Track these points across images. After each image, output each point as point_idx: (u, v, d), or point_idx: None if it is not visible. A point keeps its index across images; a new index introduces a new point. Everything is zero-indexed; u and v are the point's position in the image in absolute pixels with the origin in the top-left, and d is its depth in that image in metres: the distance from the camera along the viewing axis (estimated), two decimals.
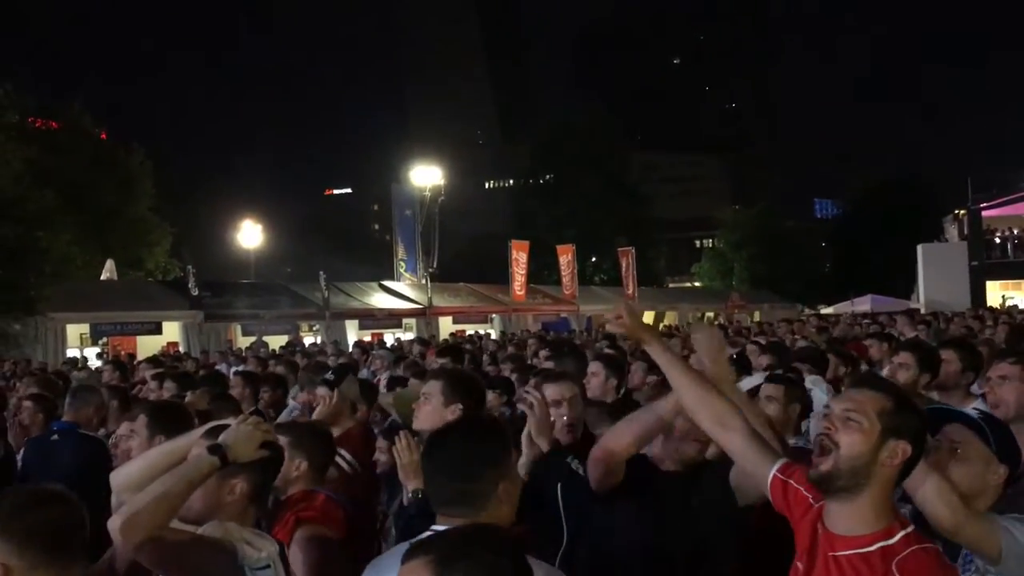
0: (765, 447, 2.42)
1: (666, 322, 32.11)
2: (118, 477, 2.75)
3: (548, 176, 56.22)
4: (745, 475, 2.68)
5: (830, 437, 2.08)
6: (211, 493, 2.49)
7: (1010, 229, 37.45)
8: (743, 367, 5.82)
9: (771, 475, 2.31)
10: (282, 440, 2.92)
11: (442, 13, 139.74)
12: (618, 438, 2.91)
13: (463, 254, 55.69)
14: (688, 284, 60.84)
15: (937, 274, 35.64)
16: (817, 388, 5.29)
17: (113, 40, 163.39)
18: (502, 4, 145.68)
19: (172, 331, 23.01)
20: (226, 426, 2.60)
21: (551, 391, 3.57)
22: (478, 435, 2.32)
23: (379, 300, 28.38)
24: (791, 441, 4.07)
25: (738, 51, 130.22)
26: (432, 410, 3.39)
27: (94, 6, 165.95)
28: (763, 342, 8.26)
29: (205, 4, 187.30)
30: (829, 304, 37.62)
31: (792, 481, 2.26)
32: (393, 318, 27.76)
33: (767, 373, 5.01)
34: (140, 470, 2.67)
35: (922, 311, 24.88)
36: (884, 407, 2.08)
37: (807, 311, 36.17)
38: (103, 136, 39.01)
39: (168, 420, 3.33)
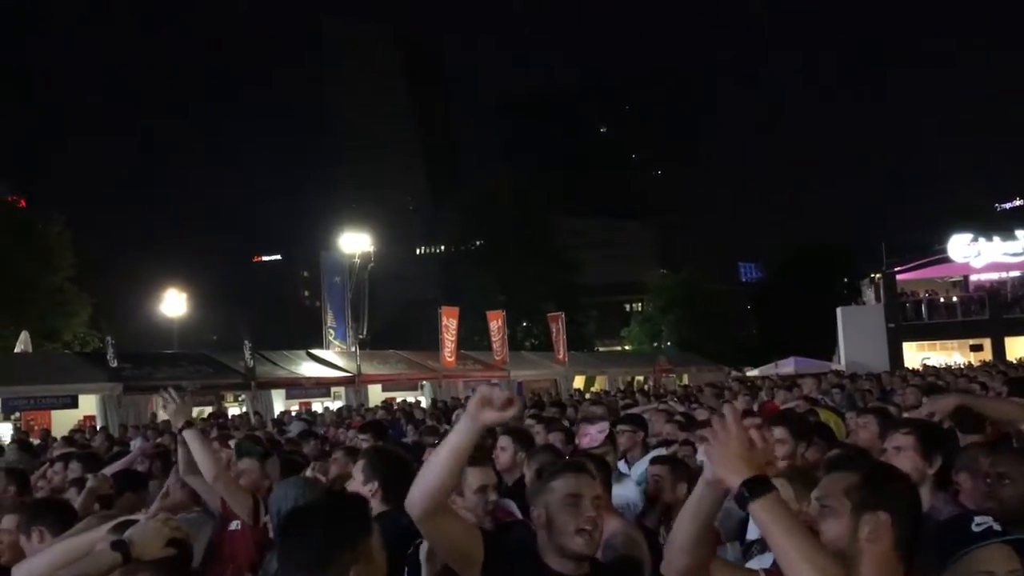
0: None
1: (596, 387, 32.20)
2: (19, 572, 2.66)
3: (478, 242, 56.48)
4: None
5: (813, 530, 2.04)
6: None
7: (924, 292, 38.83)
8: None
9: None
10: None
11: (371, 81, 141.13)
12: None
13: (393, 321, 55.41)
14: (618, 348, 61.31)
15: (857, 336, 36.49)
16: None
17: (35, 108, 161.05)
18: (431, 72, 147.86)
19: (89, 404, 22.09)
20: (135, 520, 2.52)
21: (471, 477, 3.46)
22: (334, 518, 2.11)
23: (307, 369, 27.83)
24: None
25: (662, 120, 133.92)
26: (355, 489, 3.52)
27: (15, 74, 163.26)
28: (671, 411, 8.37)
29: (130, 73, 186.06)
30: (755, 366, 38.28)
31: None
32: (321, 387, 27.24)
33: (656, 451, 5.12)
34: (41, 565, 2.58)
35: (844, 372, 25.44)
36: (851, 484, 2.05)
37: (733, 373, 36.75)
38: (22, 204, 38.12)
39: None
